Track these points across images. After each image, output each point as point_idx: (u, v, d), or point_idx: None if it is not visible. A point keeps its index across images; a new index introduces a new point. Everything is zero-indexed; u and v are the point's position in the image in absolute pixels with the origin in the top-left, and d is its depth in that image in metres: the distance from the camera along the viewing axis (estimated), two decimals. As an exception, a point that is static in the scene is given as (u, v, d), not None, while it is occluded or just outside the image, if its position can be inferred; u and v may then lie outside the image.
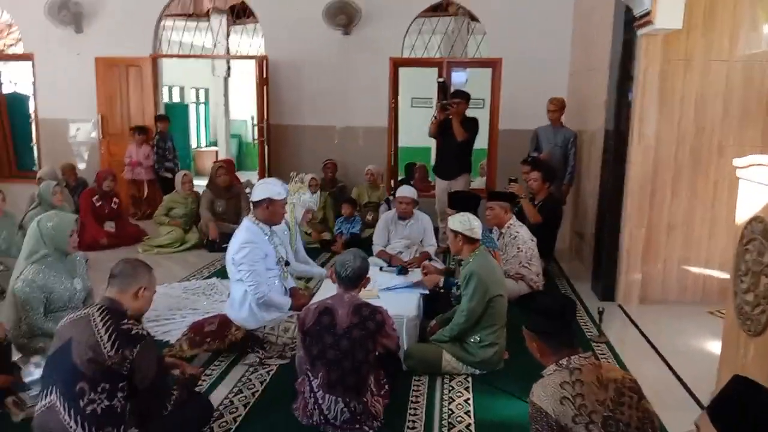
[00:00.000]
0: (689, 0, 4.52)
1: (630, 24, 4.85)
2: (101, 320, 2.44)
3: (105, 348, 2.38)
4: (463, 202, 4.73)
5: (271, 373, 3.69)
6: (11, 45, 10.52)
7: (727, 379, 1.75)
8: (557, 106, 6.53)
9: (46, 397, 2.41)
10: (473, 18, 8.25)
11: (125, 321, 2.49)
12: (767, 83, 4.82)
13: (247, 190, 7.14)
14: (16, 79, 10.96)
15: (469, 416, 3.23)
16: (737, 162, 3.09)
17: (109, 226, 6.91)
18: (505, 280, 3.91)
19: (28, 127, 9.64)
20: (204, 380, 3.50)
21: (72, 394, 2.36)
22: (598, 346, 4.19)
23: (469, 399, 3.41)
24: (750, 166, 2.98)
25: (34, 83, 8.87)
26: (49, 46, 8.54)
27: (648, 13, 4.45)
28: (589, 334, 4.43)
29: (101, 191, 6.96)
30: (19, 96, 10.23)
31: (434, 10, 8.22)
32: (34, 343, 3.44)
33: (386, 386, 3.10)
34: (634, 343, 4.38)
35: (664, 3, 4.37)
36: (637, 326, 4.65)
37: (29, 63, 8.77)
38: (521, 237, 4.90)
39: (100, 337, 2.40)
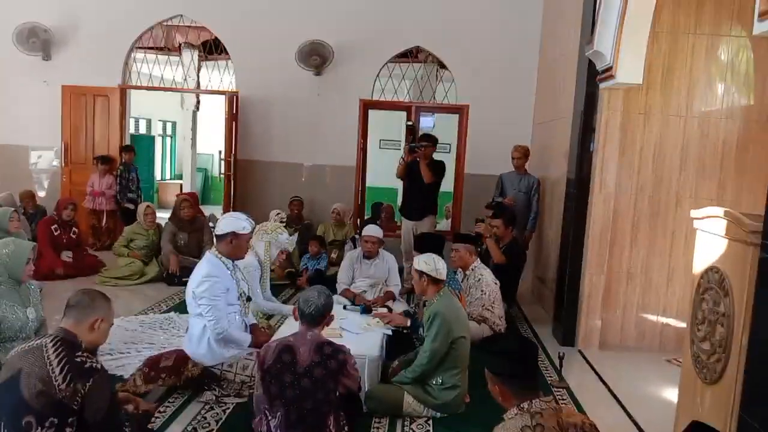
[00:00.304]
0: (649, 57, 4.73)
1: (593, 77, 5.03)
2: (54, 352, 2.36)
3: (56, 381, 2.29)
4: (428, 244, 4.75)
5: (227, 411, 3.59)
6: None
7: (684, 425, 1.78)
8: (521, 153, 6.69)
9: (-11, 431, 2.30)
10: (442, 65, 8.45)
11: (79, 353, 2.40)
12: (722, 139, 5.03)
13: (211, 224, 7.08)
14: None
15: (429, 460, 3.19)
16: (694, 213, 3.20)
17: (66, 256, 6.73)
18: (468, 322, 3.92)
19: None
20: (157, 417, 3.39)
21: (18, 428, 2.25)
22: (558, 391, 4.21)
23: (429, 442, 3.37)
24: (706, 217, 3.08)
25: (-4, 108, 8.69)
26: (15, 71, 8.42)
27: (610, 68, 4.63)
28: (550, 378, 4.45)
29: (61, 220, 6.81)
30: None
31: (405, 56, 8.41)
32: (-20, 375, 3.30)
33: (346, 427, 3.04)
34: (594, 388, 4.41)
35: (625, 59, 4.56)
36: (596, 372, 4.69)
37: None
38: (485, 280, 4.93)
39: (52, 369, 2.31)
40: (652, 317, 5.25)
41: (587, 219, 5.16)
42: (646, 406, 4.03)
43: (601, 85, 4.96)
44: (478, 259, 5.14)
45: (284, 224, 6.60)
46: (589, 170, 5.16)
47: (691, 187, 5.11)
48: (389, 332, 4.28)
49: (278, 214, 7.03)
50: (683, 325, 4.47)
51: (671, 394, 3.97)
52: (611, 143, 5.04)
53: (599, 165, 5.06)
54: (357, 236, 7.01)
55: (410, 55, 8.42)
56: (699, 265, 3.13)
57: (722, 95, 5.04)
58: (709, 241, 3.03)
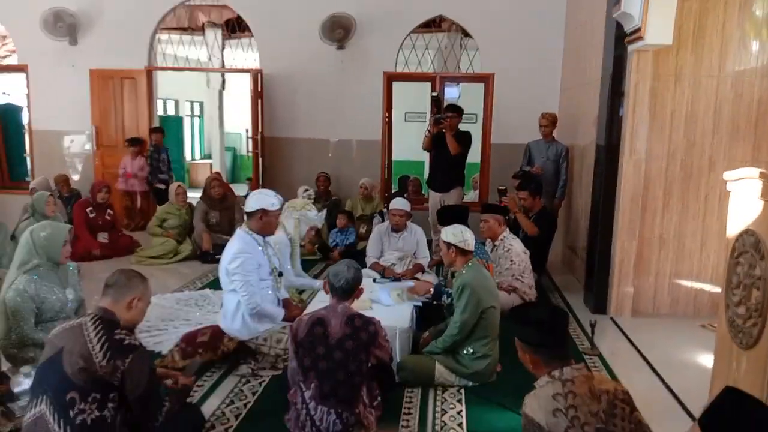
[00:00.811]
0: (679, 17, 4.60)
1: (621, 39, 4.91)
2: (94, 330, 2.43)
3: (96, 358, 2.36)
4: (451, 216, 4.73)
5: (263, 384, 3.68)
6: (5, 56, 10.53)
7: (719, 391, 1.76)
8: (549, 121, 6.59)
9: (35, 406, 2.38)
10: (466, 34, 8.33)
11: (118, 331, 2.47)
12: (757, 98, 4.88)
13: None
14: (10, 90, 10.96)
15: (462, 428, 3.23)
16: (728, 175, 3.12)
17: (102, 237, 6.89)
18: (497, 292, 3.92)
19: (22, 138, 9.63)
20: (196, 391, 3.49)
21: (62, 404, 2.34)
22: (591, 359, 4.20)
23: (461, 411, 3.41)
24: (740, 179, 3.01)
25: (27, 95, 8.86)
26: (44, 57, 8.55)
27: (638, 29, 4.51)
28: (582, 346, 4.44)
29: (95, 202, 6.95)
30: (13, 107, 10.22)
31: (428, 26, 8.30)
32: (24, 353, 3.42)
33: (379, 398, 3.08)
34: (626, 355, 4.39)
35: (654, 19, 4.43)
36: (629, 339, 4.66)
37: (23, 74, 8.77)
38: (514, 249, 4.91)
39: (92, 346, 2.38)
40: (686, 283, 5.18)
41: (618, 185, 5.08)
42: (681, 373, 4.00)
43: (630, 48, 4.84)
44: (507, 229, 5.12)
45: (312, 200, 6.65)
46: (619, 136, 5.07)
47: (725, 150, 4.98)
48: (419, 304, 4.31)
49: (306, 190, 7.08)
50: (718, 290, 4.41)
51: (706, 360, 3.94)
52: (641, 107, 4.93)
53: (629, 130, 4.96)
54: (385, 210, 7.03)
55: (433, 24, 8.31)
56: (733, 228, 3.06)
57: (757, 53, 4.86)
58: (744, 203, 2.97)
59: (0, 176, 9.39)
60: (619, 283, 5.13)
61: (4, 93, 10.88)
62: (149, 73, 8.63)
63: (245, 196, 8.25)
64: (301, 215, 4.86)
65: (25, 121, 9.40)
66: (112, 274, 2.67)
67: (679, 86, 4.94)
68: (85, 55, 8.49)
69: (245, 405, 3.41)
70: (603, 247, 5.22)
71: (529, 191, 5.77)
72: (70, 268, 3.74)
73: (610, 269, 5.18)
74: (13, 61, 9.34)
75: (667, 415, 3.38)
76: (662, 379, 3.91)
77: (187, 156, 15.26)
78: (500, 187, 6.28)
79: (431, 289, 4.33)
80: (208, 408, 3.32)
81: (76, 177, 8.76)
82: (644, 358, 4.27)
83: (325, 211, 5.99)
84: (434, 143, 6.48)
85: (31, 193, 6.69)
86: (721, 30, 4.85)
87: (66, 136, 8.88)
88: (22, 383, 3.16)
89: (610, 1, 5.04)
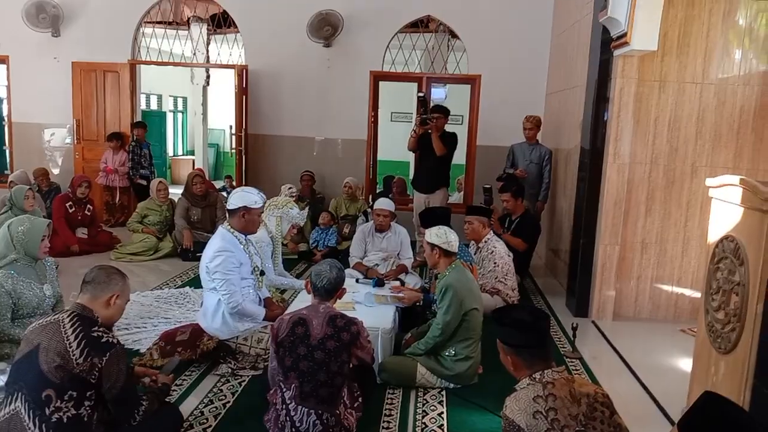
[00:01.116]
0: (664, 23, 4.64)
1: (607, 44, 4.94)
2: (71, 326, 2.39)
3: (74, 355, 2.33)
4: (433, 218, 4.71)
5: (243, 384, 3.64)
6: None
7: (698, 395, 1.77)
8: (533, 124, 6.62)
9: (10, 404, 2.34)
10: (453, 35, 8.34)
11: (96, 328, 2.43)
12: (739, 106, 4.94)
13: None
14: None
15: (443, 430, 3.22)
16: (710, 182, 3.15)
17: (82, 233, 6.80)
18: (480, 294, 3.92)
19: (1, 131, 9.49)
20: (175, 390, 3.44)
21: (38, 402, 2.29)
22: (572, 362, 4.22)
23: (442, 413, 3.40)
24: (722, 186, 3.04)
25: (8, 86, 8.71)
26: (25, 49, 8.43)
27: (624, 35, 4.55)
28: (563, 349, 4.46)
29: (75, 197, 6.85)
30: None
31: (415, 26, 8.29)
32: (0, 349, 3.36)
33: (360, 399, 3.07)
34: (607, 358, 4.42)
35: (640, 25, 4.46)
36: (610, 342, 4.69)
37: (3, 66, 8.63)
38: (498, 252, 4.92)
39: (69, 343, 2.34)
40: (667, 287, 5.22)
41: (601, 189, 5.12)
42: (660, 377, 4.03)
43: (616, 53, 4.87)
44: (491, 231, 5.13)
45: (296, 199, 6.61)
46: (603, 140, 5.10)
47: (707, 156, 5.03)
48: (401, 305, 4.29)
49: (290, 188, 7.04)
50: (698, 295, 4.46)
51: (685, 364, 3.97)
52: (625, 112, 4.96)
53: (613, 135, 5.00)
54: (369, 210, 7.01)
55: (421, 24, 8.31)
56: (714, 234, 3.09)
57: (740, 61, 4.93)
58: (725, 209, 2.99)
59: (-22, 169, 9.25)
60: (601, 287, 5.17)
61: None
62: (132, 66, 8.54)
63: (220, 190, 8.29)
64: (283, 213, 4.83)
65: (4, 113, 9.25)
66: (91, 271, 2.63)
67: (664, 92, 4.99)
68: (68, 48, 8.38)
69: (224, 405, 3.38)
70: (586, 250, 5.25)
71: (511, 193, 5.79)
72: (48, 263, 3.68)
73: (592, 273, 5.21)
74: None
75: (646, 419, 3.41)
76: (642, 383, 3.93)
77: (170, 152, 15.13)
78: (485, 186, 6.30)
79: (421, 297, 4.32)
80: (186, 407, 3.28)
81: (55, 171, 8.64)
82: (624, 362, 4.30)
83: (307, 209, 5.96)
84: (420, 144, 6.48)
85: (9, 186, 6.59)
86: (705, 38, 4.90)
87: (46, 129, 8.76)
88: (-3, 380, 3.10)
89: (597, 5, 5.07)
